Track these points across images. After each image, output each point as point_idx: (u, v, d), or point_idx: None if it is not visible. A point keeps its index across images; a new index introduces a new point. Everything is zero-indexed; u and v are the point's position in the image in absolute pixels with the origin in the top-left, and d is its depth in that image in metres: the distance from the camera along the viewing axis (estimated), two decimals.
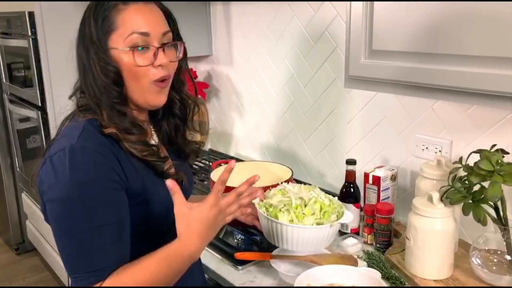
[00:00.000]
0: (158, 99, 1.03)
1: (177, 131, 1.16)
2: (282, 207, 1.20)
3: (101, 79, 0.98)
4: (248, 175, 1.35)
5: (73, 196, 0.90)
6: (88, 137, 0.94)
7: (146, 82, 1.00)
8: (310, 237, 1.18)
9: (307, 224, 1.18)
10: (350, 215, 1.26)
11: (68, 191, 0.90)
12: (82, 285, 0.91)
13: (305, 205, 1.21)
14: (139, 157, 1.00)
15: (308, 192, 1.26)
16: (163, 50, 1.00)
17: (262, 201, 1.25)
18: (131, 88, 1.00)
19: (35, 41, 2.51)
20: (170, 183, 0.95)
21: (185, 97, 1.14)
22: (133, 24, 0.97)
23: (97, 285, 0.91)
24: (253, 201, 1.24)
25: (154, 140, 1.12)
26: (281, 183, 1.36)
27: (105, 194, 0.93)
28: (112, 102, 0.99)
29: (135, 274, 0.92)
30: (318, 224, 1.19)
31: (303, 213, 1.19)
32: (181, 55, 1.07)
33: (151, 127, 1.14)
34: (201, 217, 0.93)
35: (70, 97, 1.07)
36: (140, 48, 0.98)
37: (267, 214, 1.21)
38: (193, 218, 0.93)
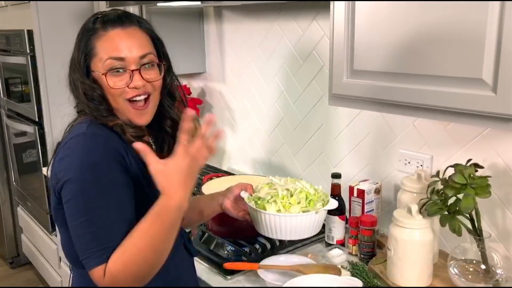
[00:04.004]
0: (139, 118, 1.10)
1: (168, 147, 1.20)
2: (270, 199, 1.26)
3: (87, 102, 1.07)
4: None
5: (87, 176, 0.98)
6: (96, 126, 1.05)
7: (122, 100, 1.08)
8: (298, 224, 1.24)
9: (293, 212, 1.23)
10: (335, 202, 1.31)
11: (82, 172, 0.98)
12: (94, 263, 0.96)
13: (291, 195, 1.27)
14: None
15: (294, 184, 1.32)
16: (139, 72, 1.07)
17: (251, 195, 1.31)
18: (114, 106, 1.09)
19: (33, 58, 2.58)
20: (139, 145, 0.98)
21: (176, 117, 1.18)
22: (110, 51, 1.05)
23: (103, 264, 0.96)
24: (243, 196, 1.30)
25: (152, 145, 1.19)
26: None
27: (115, 175, 1.01)
28: (102, 117, 1.08)
29: (135, 241, 0.96)
30: (304, 212, 1.24)
31: (290, 203, 1.25)
32: (161, 75, 1.12)
33: (150, 137, 1.20)
34: (177, 168, 0.97)
35: (74, 107, 1.15)
36: (119, 71, 1.06)
37: (256, 207, 1.26)
38: (170, 171, 0.97)
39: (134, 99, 1.08)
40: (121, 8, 1.95)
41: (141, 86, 1.07)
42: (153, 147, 1.19)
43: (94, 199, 0.98)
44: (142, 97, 1.09)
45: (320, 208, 1.25)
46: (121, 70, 1.06)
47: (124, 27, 1.07)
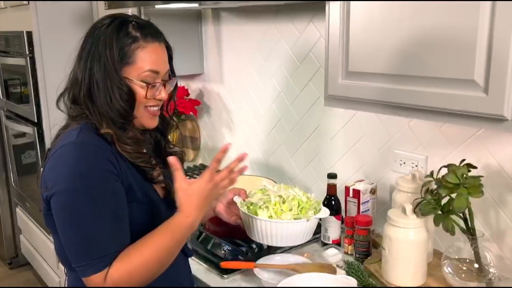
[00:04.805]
0: (152, 122, 1.16)
1: (159, 143, 1.26)
2: (262, 204, 1.27)
3: (119, 104, 1.07)
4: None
5: (77, 186, 0.98)
6: (86, 135, 1.05)
7: (141, 108, 1.12)
8: (288, 231, 1.25)
9: (285, 219, 1.24)
10: (327, 211, 1.32)
11: (72, 182, 0.98)
12: (91, 271, 0.98)
13: (284, 202, 1.28)
14: (131, 161, 1.09)
15: (287, 191, 1.33)
16: (164, 86, 1.13)
17: (244, 201, 1.32)
18: (134, 113, 1.11)
19: (33, 59, 2.59)
20: (172, 160, 1.06)
21: (164, 115, 1.24)
22: (150, 63, 1.09)
23: (105, 270, 0.97)
24: (236, 201, 1.32)
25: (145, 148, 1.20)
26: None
27: (105, 184, 1.01)
28: (119, 121, 1.09)
29: (142, 251, 1.00)
30: (295, 219, 1.25)
31: (281, 209, 1.26)
32: (172, 88, 1.18)
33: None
34: (199, 191, 1.05)
35: (57, 102, 1.15)
36: (152, 82, 1.10)
37: (248, 212, 1.27)
38: (192, 192, 1.05)
39: (153, 107, 1.13)
40: (120, 10, 1.97)
41: (165, 98, 1.14)
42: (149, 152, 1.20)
43: (86, 209, 0.98)
44: (159, 107, 1.15)
45: (312, 216, 1.26)
46: (151, 82, 1.10)
47: (160, 42, 1.13)
